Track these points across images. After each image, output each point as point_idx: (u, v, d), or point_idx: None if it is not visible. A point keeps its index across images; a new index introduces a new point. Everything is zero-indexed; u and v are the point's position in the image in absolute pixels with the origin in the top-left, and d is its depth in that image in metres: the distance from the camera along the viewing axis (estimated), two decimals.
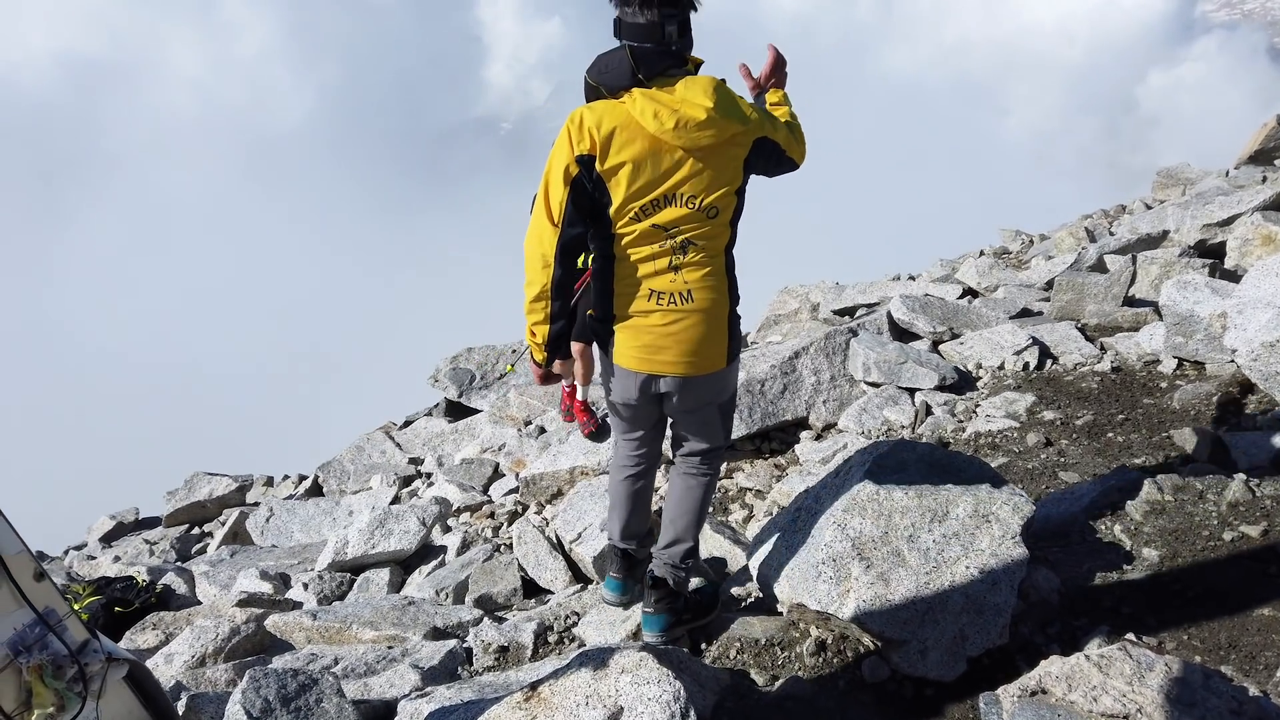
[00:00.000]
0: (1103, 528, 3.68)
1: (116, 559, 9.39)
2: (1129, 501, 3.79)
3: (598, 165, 2.76)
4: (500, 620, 4.12)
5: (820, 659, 3.20)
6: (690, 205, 2.84)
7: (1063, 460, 4.50)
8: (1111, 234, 10.80)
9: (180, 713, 2.77)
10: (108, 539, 11.08)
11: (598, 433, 4.83)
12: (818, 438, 5.64)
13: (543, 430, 7.64)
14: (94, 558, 10.10)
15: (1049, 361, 5.90)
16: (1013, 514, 3.22)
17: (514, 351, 8.55)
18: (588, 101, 2.83)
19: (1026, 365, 5.85)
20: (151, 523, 11.26)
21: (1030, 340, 6.03)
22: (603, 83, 2.79)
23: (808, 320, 10.03)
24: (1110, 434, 4.67)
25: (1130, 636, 2.91)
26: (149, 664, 4.14)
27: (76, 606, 4.92)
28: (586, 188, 2.79)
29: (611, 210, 2.82)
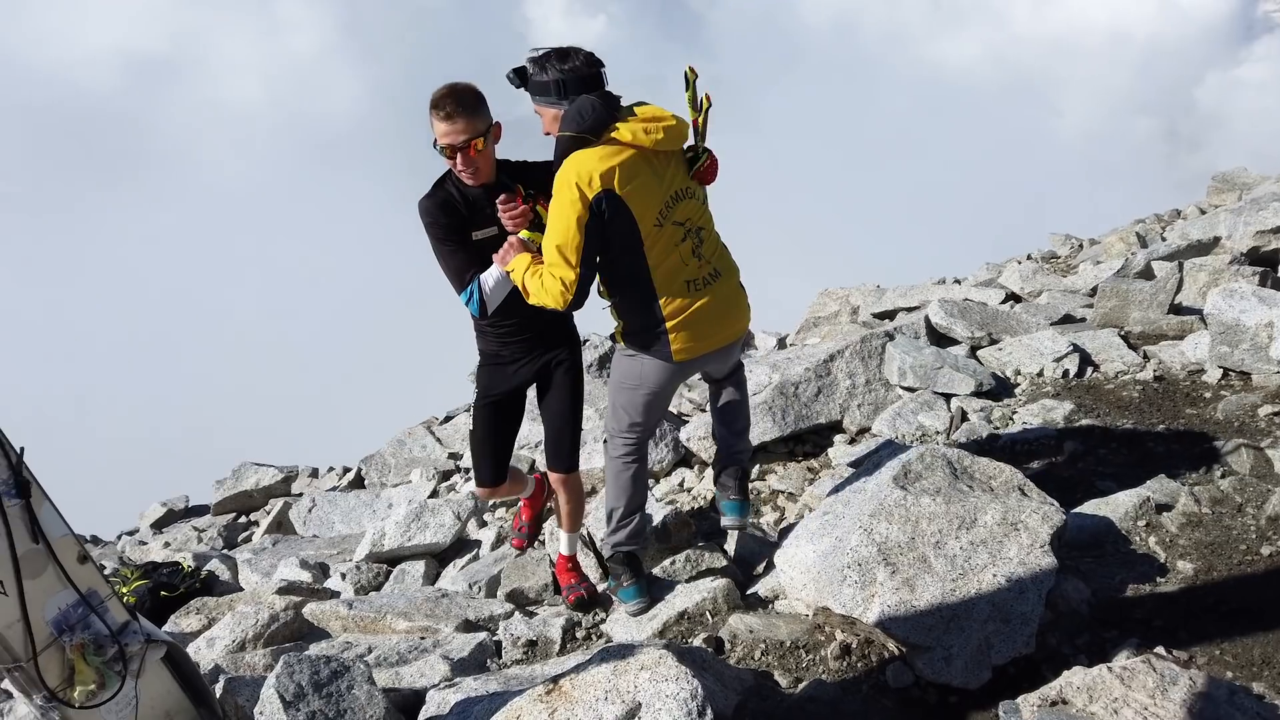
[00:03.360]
0: (1137, 539, 3.64)
1: (166, 545, 9.66)
2: (1165, 513, 3.74)
3: (619, 191, 3.08)
4: (530, 615, 4.18)
5: (844, 663, 3.21)
6: (691, 196, 3.32)
7: (1100, 470, 4.44)
8: (1163, 240, 10.57)
9: (217, 695, 2.86)
10: (158, 525, 11.38)
11: (590, 601, 4.04)
12: (851, 441, 5.62)
13: None
14: (145, 543, 10.39)
15: (1090, 369, 5.82)
16: (1042, 523, 3.20)
17: None
18: (565, 155, 3.12)
19: (1066, 372, 5.77)
20: (200, 510, 11.54)
21: (1071, 347, 5.95)
22: (587, 130, 3.10)
23: (847, 323, 9.97)
24: (1150, 444, 4.60)
25: (1160, 650, 2.88)
26: (191, 648, 4.28)
27: (125, 590, 5.10)
28: (599, 227, 3.09)
29: (641, 225, 3.15)
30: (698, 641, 3.44)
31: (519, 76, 3.26)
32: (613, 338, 3.59)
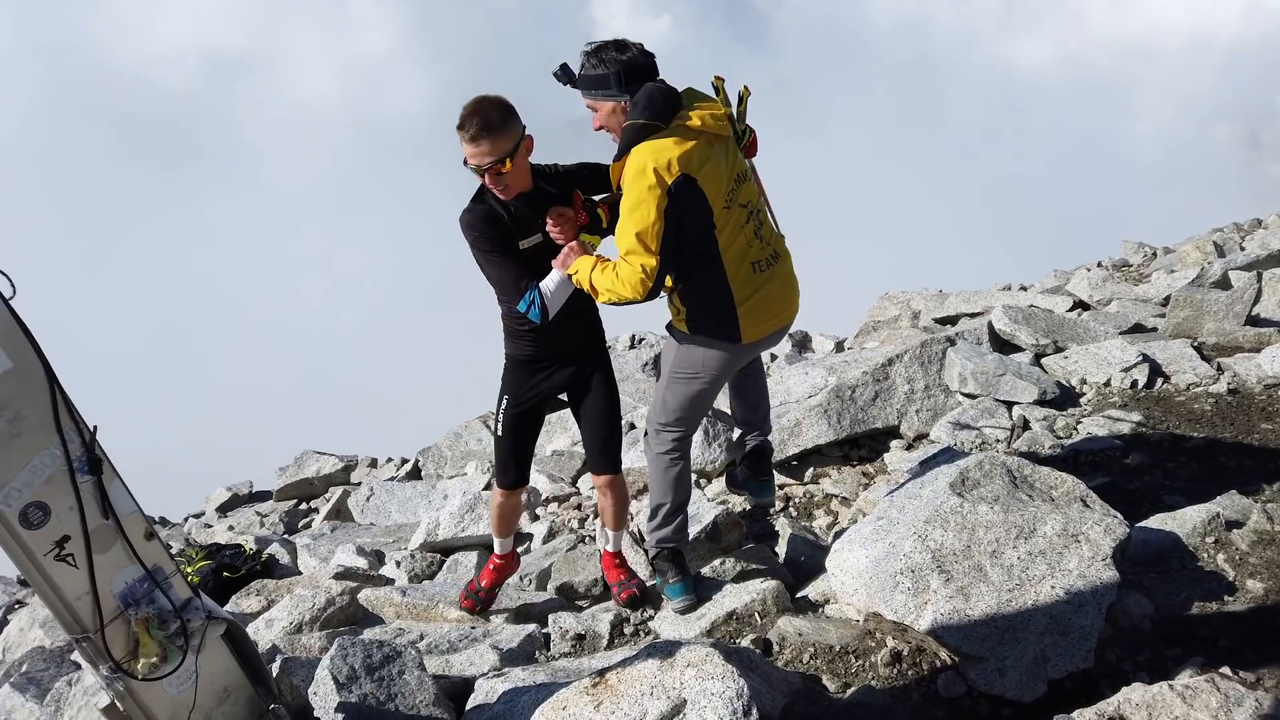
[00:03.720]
0: (1205, 556, 3.52)
1: (230, 528, 9.93)
2: (1235, 530, 3.61)
3: (695, 175, 3.10)
4: (579, 609, 4.20)
5: (895, 670, 3.16)
6: (748, 179, 3.42)
7: (1168, 484, 4.31)
8: (1242, 249, 10.19)
9: (274, 674, 2.93)
10: (223, 509, 11.71)
11: (640, 598, 3.97)
12: (908, 447, 5.54)
13: (632, 426, 7.72)
14: (210, 526, 10.70)
15: (1160, 380, 5.64)
16: (1104, 535, 3.12)
17: None
18: (635, 143, 3.11)
19: (1135, 383, 5.60)
20: (263, 496, 11.84)
21: (1140, 357, 5.77)
22: (657, 118, 3.11)
23: (907, 328, 9.82)
24: (1221, 458, 4.44)
25: (1225, 670, 2.77)
26: (251, 628, 4.39)
27: (189, 570, 5.26)
28: (676, 213, 3.10)
29: (714, 209, 3.19)
30: (746, 642, 3.42)
31: (565, 74, 3.26)
32: (670, 327, 3.61)
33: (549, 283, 3.34)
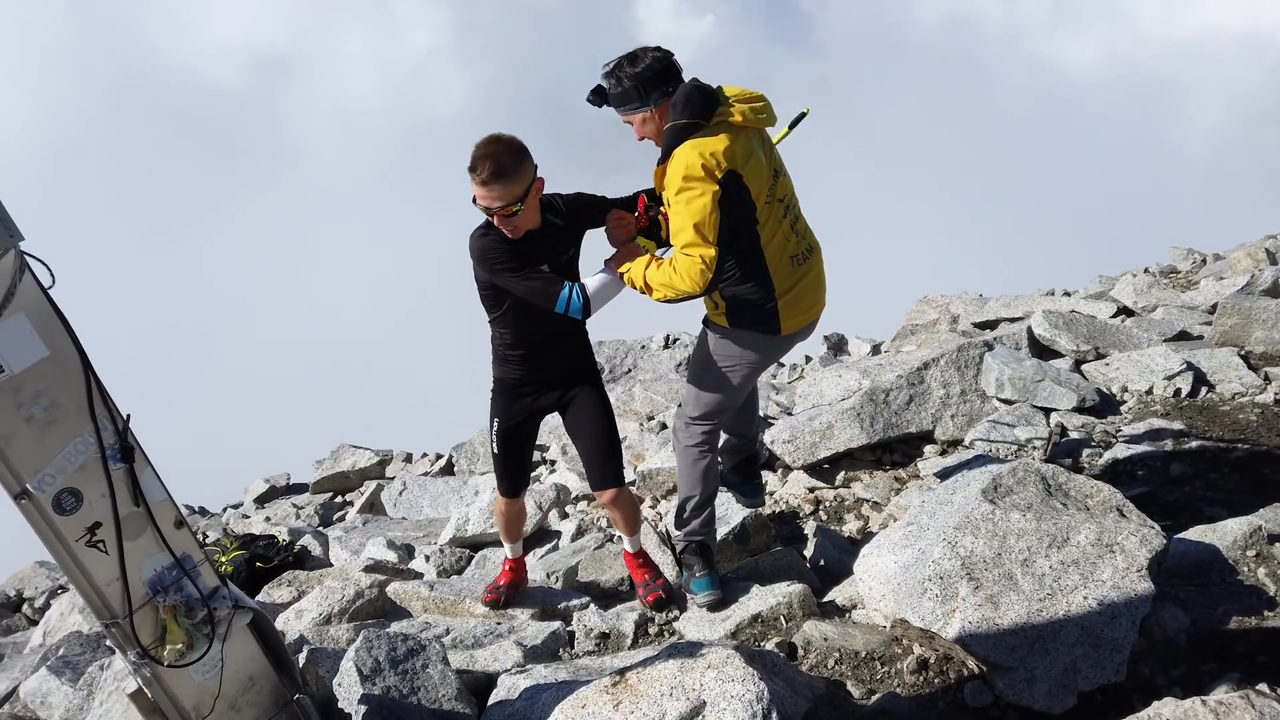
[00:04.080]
0: (1245, 569, 3.42)
1: (268, 519, 10.10)
2: (1278, 544, 3.50)
3: (740, 171, 3.15)
4: (605, 608, 4.20)
5: (921, 677, 3.12)
6: (784, 174, 3.46)
7: (1209, 495, 4.20)
8: None
9: (300, 665, 2.96)
10: (261, 500, 11.92)
11: (667, 600, 3.99)
12: (942, 453, 5.46)
13: (664, 426, 7.71)
14: (248, 517, 10.90)
15: (1204, 389, 5.51)
16: (1140, 546, 3.05)
17: None
18: (678, 142, 3.15)
19: (1178, 391, 5.47)
20: (300, 488, 12.03)
21: (1184, 365, 5.64)
22: (698, 116, 3.16)
23: (946, 332, 9.70)
24: (1266, 470, 4.32)
25: (1263, 687, 2.69)
26: (281, 618, 4.46)
27: (224, 559, 5.34)
28: (728, 205, 3.14)
29: (756, 204, 3.24)
30: (770, 646, 3.39)
31: (598, 97, 3.34)
32: (706, 321, 3.64)
33: (595, 281, 3.36)
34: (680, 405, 3.85)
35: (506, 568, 4.34)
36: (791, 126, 3.68)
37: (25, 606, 8.71)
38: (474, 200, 3.26)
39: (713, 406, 3.69)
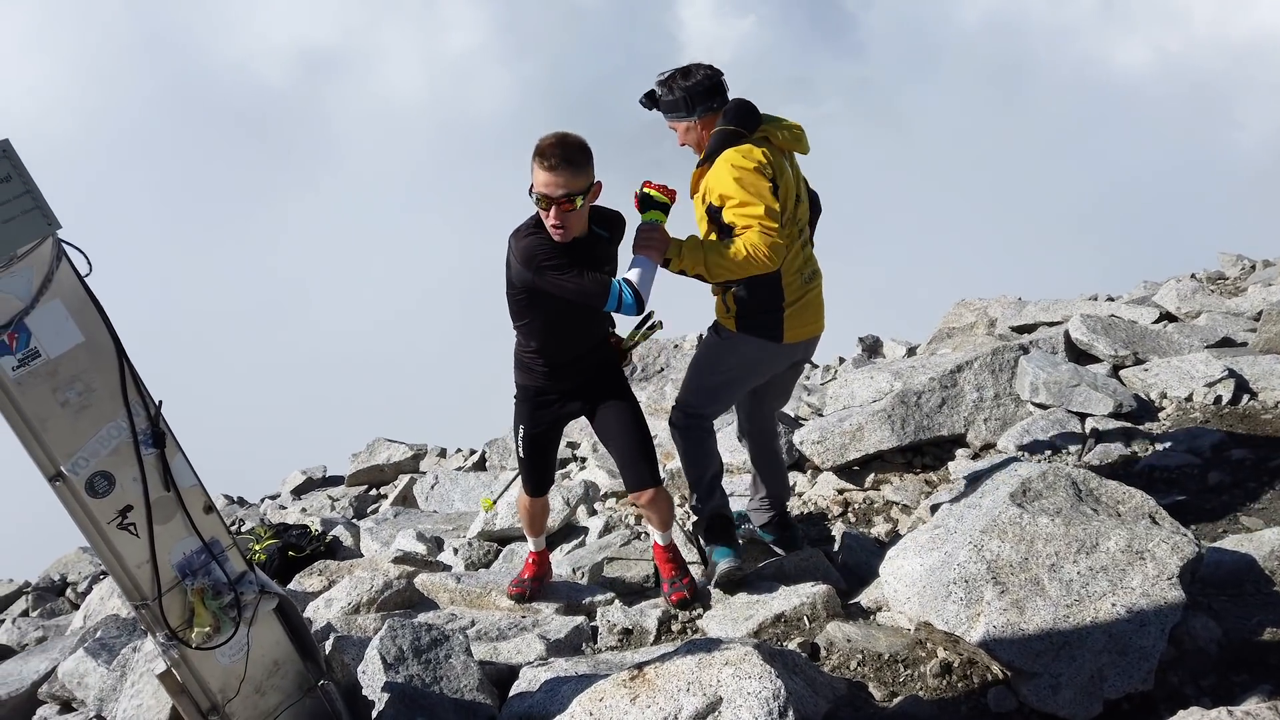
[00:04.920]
0: None
1: (304, 510, 10.24)
2: None
3: (778, 183, 3.47)
4: (629, 604, 4.21)
5: (944, 681, 3.09)
6: (804, 201, 3.75)
7: (1247, 504, 4.11)
8: None
9: (326, 652, 3.01)
10: (298, 492, 12.08)
11: (691, 600, 3.96)
12: (974, 457, 5.39)
13: None
14: (285, 508, 11.05)
15: (1246, 397, 5.38)
16: (1171, 553, 2.99)
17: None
18: (722, 147, 3.47)
19: (1219, 399, 5.36)
20: (336, 481, 12.17)
21: (1226, 372, 5.51)
22: (745, 127, 3.51)
23: (983, 335, 9.56)
24: None
25: None
26: (310, 607, 4.52)
27: (257, 547, 5.43)
28: None
29: (783, 216, 3.46)
30: (792, 646, 3.38)
31: (649, 100, 3.64)
32: (715, 325, 3.83)
33: (634, 274, 3.33)
34: (677, 398, 4.03)
35: (530, 560, 4.37)
36: (640, 330, 3.92)
37: (68, 591, 8.94)
38: (530, 191, 3.21)
39: (706, 398, 3.93)
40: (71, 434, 2.17)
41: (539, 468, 4.00)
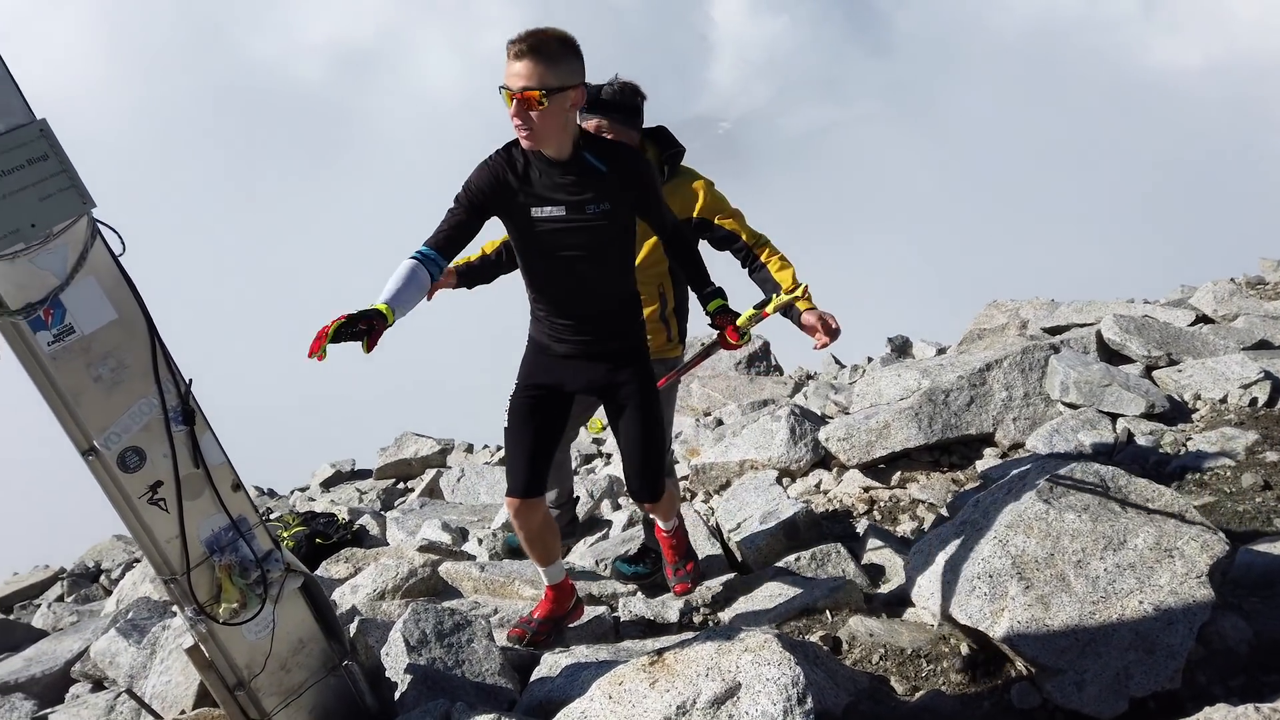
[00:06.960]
0: None
1: (332, 503, 10.34)
2: None
3: None
4: (650, 596, 4.22)
5: (967, 677, 3.06)
6: None
7: None
8: None
9: (351, 634, 3.05)
10: (327, 484, 12.21)
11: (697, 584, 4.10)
12: (1003, 456, 5.34)
13: (720, 422, 7.70)
14: (313, 500, 11.17)
15: None
16: (1201, 551, 2.95)
17: None
18: (678, 167, 3.85)
19: (1254, 401, 5.26)
20: (364, 474, 12.28)
21: (1262, 374, 5.41)
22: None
23: (1014, 337, 9.46)
24: None
25: None
26: (337, 593, 4.57)
27: (286, 534, 5.49)
28: None
29: None
30: (814, 639, 3.37)
31: (593, 100, 3.59)
32: (656, 359, 3.67)
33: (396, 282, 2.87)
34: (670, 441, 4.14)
35: (546, 597, 3.62)
36: (758, 311, 3.62)
37: (102, 578, 9.10)
38: (500, 89, 2.75)
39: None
40: (104, 409, 2.21)
41: (528, 449, 3.22)
